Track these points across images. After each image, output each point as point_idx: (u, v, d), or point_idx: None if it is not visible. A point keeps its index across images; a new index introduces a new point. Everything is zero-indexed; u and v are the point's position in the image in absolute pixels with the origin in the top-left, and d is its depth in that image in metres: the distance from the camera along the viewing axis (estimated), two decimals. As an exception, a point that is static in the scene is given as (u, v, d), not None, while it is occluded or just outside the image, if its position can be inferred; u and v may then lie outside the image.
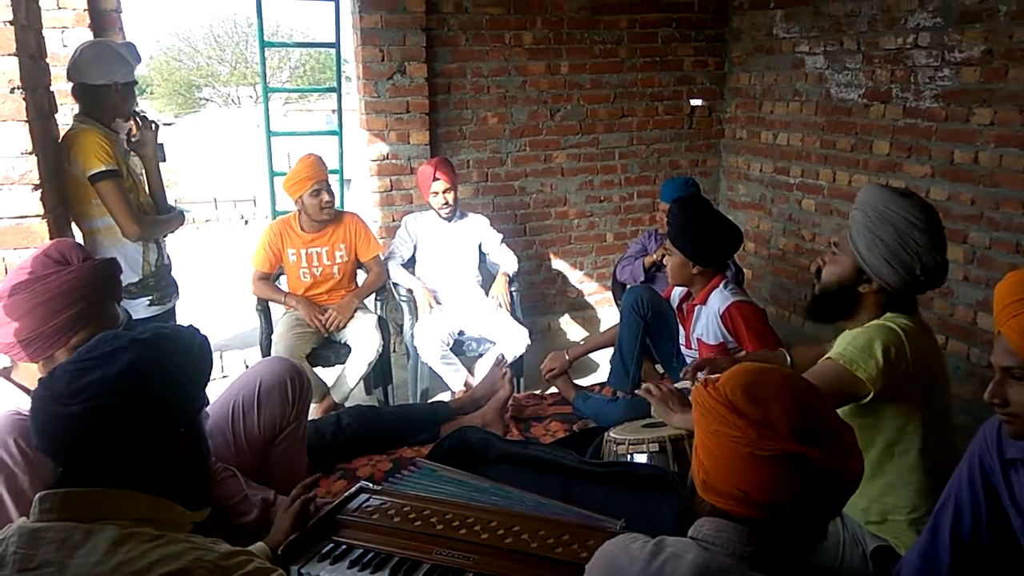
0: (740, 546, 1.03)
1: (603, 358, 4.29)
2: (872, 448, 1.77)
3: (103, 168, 2.53)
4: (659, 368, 3.26)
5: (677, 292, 2.91)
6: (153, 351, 1.12)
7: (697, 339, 2.77)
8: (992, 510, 1.46)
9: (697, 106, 4.75)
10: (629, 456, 2.13)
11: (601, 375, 3.96)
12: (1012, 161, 3.15)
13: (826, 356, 1.78)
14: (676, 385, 2.58)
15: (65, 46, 3.55)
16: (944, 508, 1.53)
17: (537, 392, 3.27)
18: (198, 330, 1.27)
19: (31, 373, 1.57)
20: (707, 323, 2.72)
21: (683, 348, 2.88)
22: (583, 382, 3.40)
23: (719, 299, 2.68)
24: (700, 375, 2.39)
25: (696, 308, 2.75)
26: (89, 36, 3.57)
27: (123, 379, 1.07)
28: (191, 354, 1.19)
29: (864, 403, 1.72)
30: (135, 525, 1.03)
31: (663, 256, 3.21)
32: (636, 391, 2.43)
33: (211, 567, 1.01)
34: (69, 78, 2.63)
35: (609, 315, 4.70)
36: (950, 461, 1.78)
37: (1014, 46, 3.09)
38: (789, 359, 2.32)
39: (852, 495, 1.07)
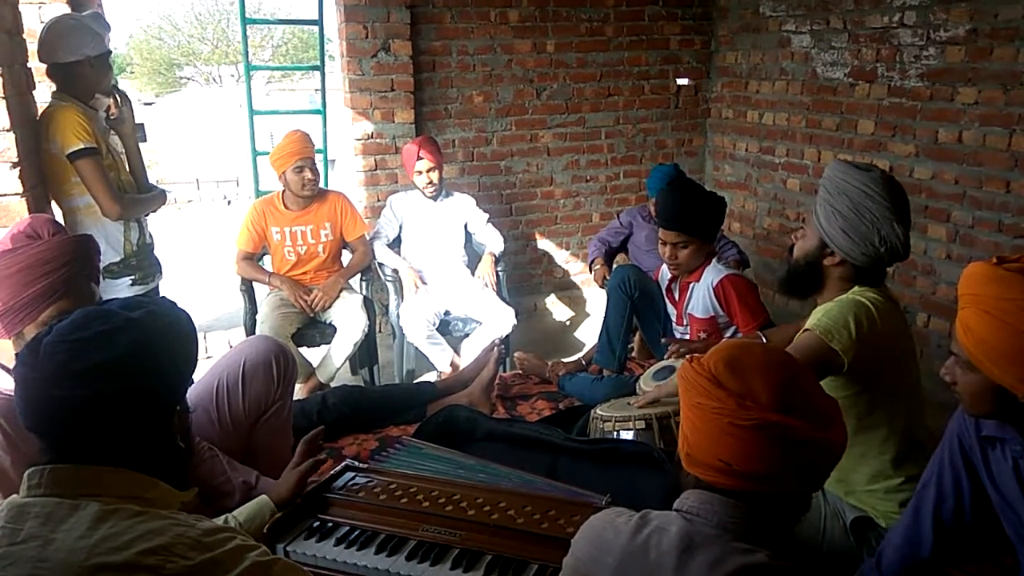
0: (724, 517, 1.04)
1: (588, 337, 4.31)
2: (846, 420, 1.79)
3: (82, 146, 2.49)
4: (646, 347, 3.27)
5: (665, 273, 2.91)
6: (150, 332, 1.09)
7: (688, 315, 2.78)
8: (974, 488, 1.48)
9: (683, 85, 4.74)
10: (615, 433, 2.14)
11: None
12: (995, 140, 3.17)
13: (803, 328, 1.80)
14: (657, 365, 2.59)
15: (42, 22, 3.47)
16: (926, 488, 1.55)
17: (519, 369, 3.26)
18: (175, 303, 1.24)
19: (6, 351, 1.55)
20: (699, 297, 2.73)
21: (675, 325, 2.88)
22: (568, 361, 3.41)
23: (713, 273, 2.69)
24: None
25: (690, 285, 2.76)
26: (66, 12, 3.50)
27: (125, 363, 1.04)
28: (183, 330, 1.17)
29: (840, 374, 1.74)
30: (120, 502, 1.02)
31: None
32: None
33: (192, 543, 1.00)
34: (40, 59, 2.57)
35: (595, 295, 4.71)
36: (921, 431, 1.82)
37: (999, 25, 3.10)
38: (764, 341, 2.34)
39: (835, 466, 1.08)
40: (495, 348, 2.93)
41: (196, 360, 1.22)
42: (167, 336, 1.12)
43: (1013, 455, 1.36)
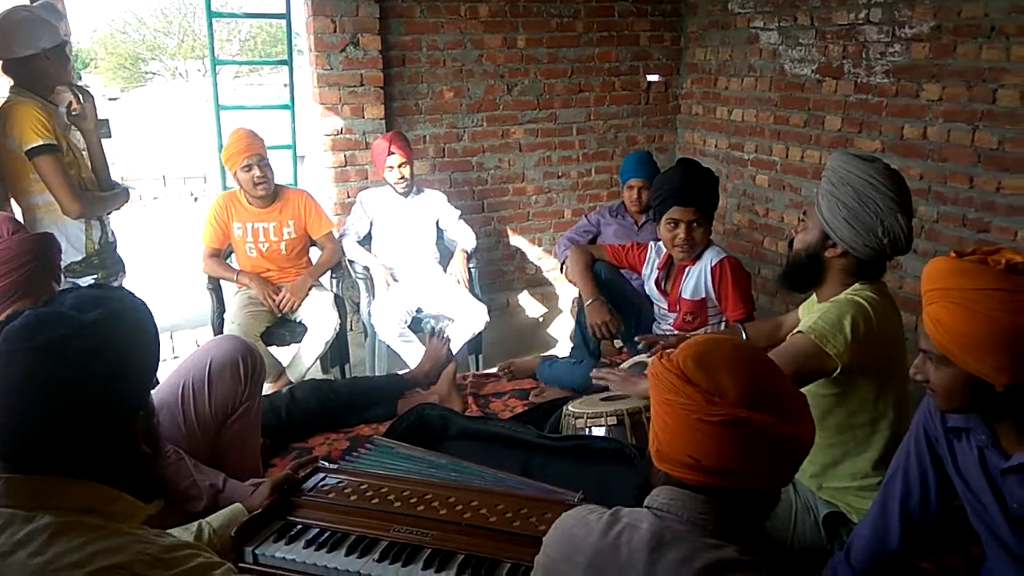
0: (694, 514, 1.04)
1: (561, 333, 4.32)
2: (831, 417, 1.81)
3: (41, 142, 2.43)
4: (617, 343, 3.27)
5: (653, 262, 2.88)
6: (107, 336, 1.00)
7: (680, 298, 2.77)
8: (940, 480, 1.50)
9: (654, 81, 4.75)
10: (587, 430, 2.14)
11: (559, 350, 3.98)
12: (959, 136, 3.22)
13: (796, 330, 1.80)
14: (627, 362, 2.59)
15: (-1, 14, 3.38)
16: (893, 481, 1.56)
17: (493, 371, 3.25)
18: (133, 295, 1.13)
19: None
20: (694, 278, 2.72)
21: (666, 312, 2.86)
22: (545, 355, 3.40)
23: (713, 253, 2.69)
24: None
25: (686, 268, 2.74)
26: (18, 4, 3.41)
27: (79, 374, 0.98)
28: (141, 329, 1.08)
29: (834, 379, 1.75)
30: (78, 516, 0.97)
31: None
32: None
33: (151, 560, 0.95)
34: None
35: (567, 291, 4.71)
36: (904, 431, 1.83)
37: (962, 22, 3.14)
38: (744, 335, 2.35)
39: (803, 461, 1.08)
40: (438, 336, 2.93)
41: (158, 359, 1.14)
42: (124, 339, 1.04)
43: (978, 444, 1.38)
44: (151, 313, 1.12)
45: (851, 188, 1.74)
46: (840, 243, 1.78)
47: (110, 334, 1.02)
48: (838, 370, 1.71)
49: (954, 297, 1.23)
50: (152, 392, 1.15)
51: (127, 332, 1.05)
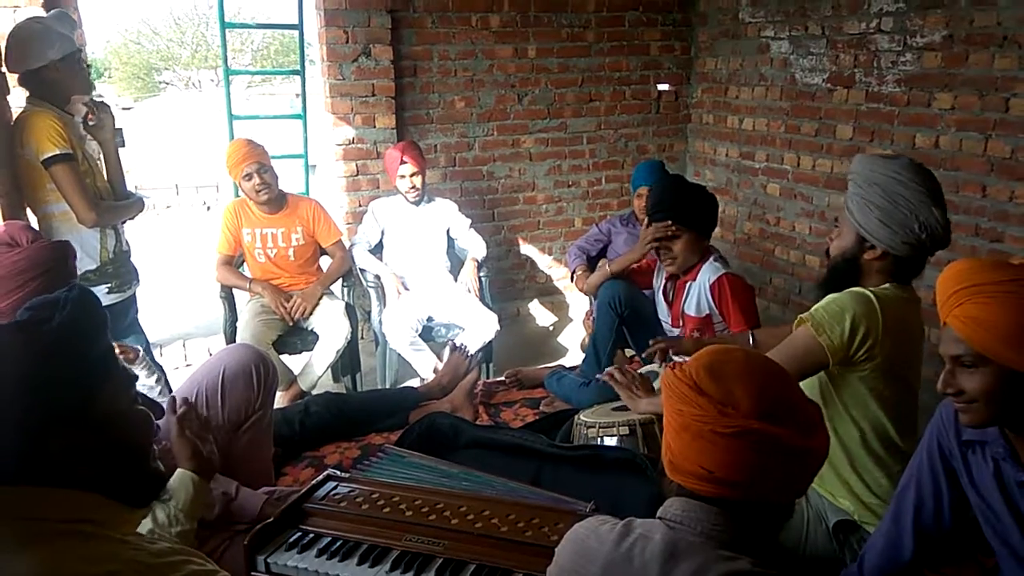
0: (707, 525, 1.04)
1: (571, 342, 4.32)
2: (832, 417, 1.79)
3: (57, 152, 2.45)
4: (628, 351, 3.26)
5: (662, 271, 2.87)
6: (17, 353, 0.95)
7: (684, 315, 2.76)
8: (953, 492, 1.49)
9: (664, 91, 4.76)
10: (599, 439, 2.13)
11: (569, 359, 3.97)
12: (971, 145, 3.21)
13: (799, 317, 1.79)
14: (642, 369, 2.59)
15: (16, 26, 3.43)
16: (905, 492, 1.55)
17: (504, 379, 3.25)
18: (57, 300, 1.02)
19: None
20: (695, 295, 2.70)
21: (670, 327, 2.84)
22: (552, 365, 3.40)
23: (710, 271, 2.66)
24: (673, 359, 2.41)
25: (687, 284, 2.73)
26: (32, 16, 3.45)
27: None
28: (65, 337, 0.98)
29: (829, 369, 1.74)
30: (66, 525, 0.94)
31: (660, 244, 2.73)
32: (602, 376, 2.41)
33: (143, 568, 0.94)
34: (8, 69, 2.53)
35: (577, 300, 4.71)
36: (911, 435, 1.81)
37: (974, 31, 3.14)
38: (752, 340, 2.34)
39: (818, 472, 1.08)
40: (460, 351, 2.94)
41: (103, 350, 1.04)
42: (40, 356, 0.96)
43: (995, 456, 1.37)
44: (79, 306, 1.03)
45: (879, 187, 1.72)
46: (878, 244, 1.75)
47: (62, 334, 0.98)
48: (829, 364, 1.70)
49: (987, 291, 1.22)
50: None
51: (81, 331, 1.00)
